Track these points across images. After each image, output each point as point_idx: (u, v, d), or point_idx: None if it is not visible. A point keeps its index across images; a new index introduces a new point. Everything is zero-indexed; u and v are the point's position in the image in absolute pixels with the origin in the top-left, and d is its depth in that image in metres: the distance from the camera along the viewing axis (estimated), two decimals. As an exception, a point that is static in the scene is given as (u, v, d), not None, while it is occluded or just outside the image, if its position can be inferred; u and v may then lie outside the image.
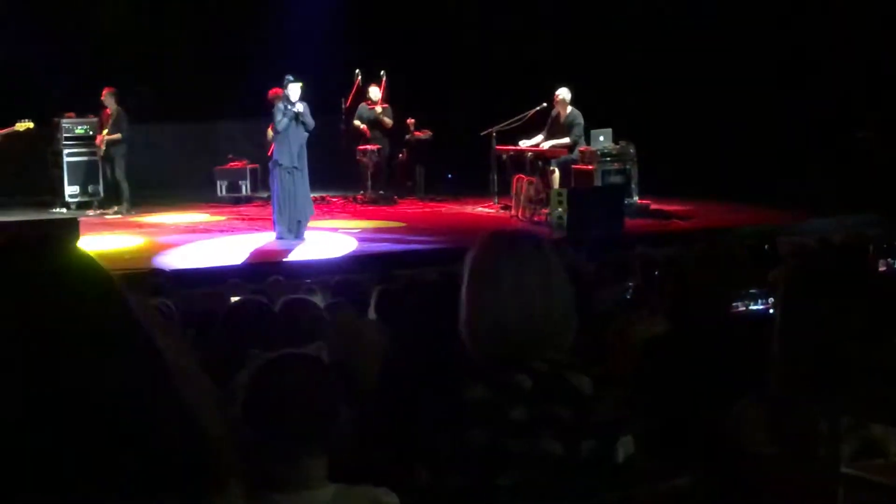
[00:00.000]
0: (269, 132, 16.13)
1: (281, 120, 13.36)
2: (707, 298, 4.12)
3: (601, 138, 15.42)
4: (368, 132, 17.41)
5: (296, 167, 13.48)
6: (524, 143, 15.83)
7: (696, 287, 4.19)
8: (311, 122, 13.40)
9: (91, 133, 17.10)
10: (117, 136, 16.52)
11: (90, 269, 1.36)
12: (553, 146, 15.55)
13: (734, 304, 4.12)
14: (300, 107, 13.32)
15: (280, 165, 13.51)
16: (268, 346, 3.14)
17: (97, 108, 16.82)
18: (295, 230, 13.54)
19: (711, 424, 3.41)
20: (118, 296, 1.36)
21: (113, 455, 1.26)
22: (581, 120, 15.56)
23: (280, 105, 13.45)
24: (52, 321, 1.28)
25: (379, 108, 17.46)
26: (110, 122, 16.54)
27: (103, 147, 16.57)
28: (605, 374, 2.76)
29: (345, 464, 2.68)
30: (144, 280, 9.58)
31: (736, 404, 3.06)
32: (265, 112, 14.38)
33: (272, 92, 14.25)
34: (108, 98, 16.55)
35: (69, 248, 1.38)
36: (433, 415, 2.57)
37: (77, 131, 17.23)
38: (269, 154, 14.91)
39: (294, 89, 13.37)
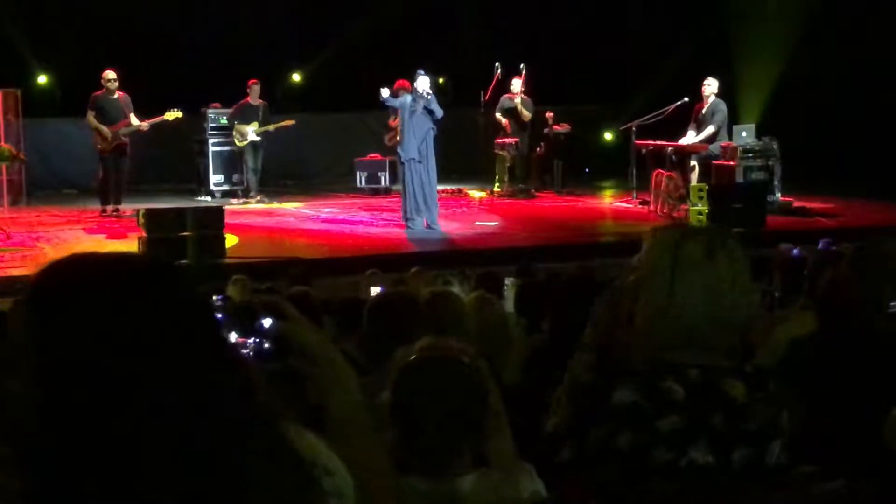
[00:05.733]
0: (392, 124, 16.26)
1: (402, 111, 13.55)
2: (860, 298, 4.01)
3: (743, 134, 15.14)
4: (509, 125, 17.37)
5: (416, 160, 13.54)
6: (683, 142, 15.41)
7: (847, 286, 4.08)
8: (438, 111, 13.45)
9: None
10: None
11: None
12: (701, 140, 15.16)
13: (890, 304, 3.98)
14: (428, 97, 13.37)
15: (404, 157, 13.65)
16: (413, 339, 3.15)
17: (238, 97, 17.02)
18: (422, 222, 13.62)
19: (866, 428, 3.32)
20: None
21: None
22: (723, 107, 15.23)
23: (405, 98, 13.56)
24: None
25: (518, 100, 17.40)
26: (261, 112, 16.75)
27: (255, 138, 16.76)
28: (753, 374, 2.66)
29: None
30: (284, 268, 9.77)
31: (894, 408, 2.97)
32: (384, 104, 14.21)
33: (398, 83, 14.26)
34: (253, 89, 16.76)
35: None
36: (583, 415, 2.50)
37: (222, 121, 17.46)
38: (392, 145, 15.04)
39: (422, 81, 13.46)
